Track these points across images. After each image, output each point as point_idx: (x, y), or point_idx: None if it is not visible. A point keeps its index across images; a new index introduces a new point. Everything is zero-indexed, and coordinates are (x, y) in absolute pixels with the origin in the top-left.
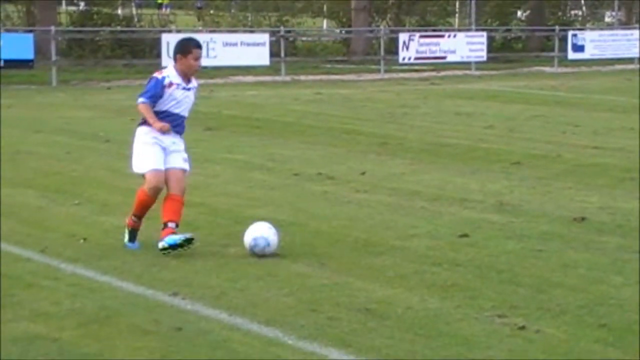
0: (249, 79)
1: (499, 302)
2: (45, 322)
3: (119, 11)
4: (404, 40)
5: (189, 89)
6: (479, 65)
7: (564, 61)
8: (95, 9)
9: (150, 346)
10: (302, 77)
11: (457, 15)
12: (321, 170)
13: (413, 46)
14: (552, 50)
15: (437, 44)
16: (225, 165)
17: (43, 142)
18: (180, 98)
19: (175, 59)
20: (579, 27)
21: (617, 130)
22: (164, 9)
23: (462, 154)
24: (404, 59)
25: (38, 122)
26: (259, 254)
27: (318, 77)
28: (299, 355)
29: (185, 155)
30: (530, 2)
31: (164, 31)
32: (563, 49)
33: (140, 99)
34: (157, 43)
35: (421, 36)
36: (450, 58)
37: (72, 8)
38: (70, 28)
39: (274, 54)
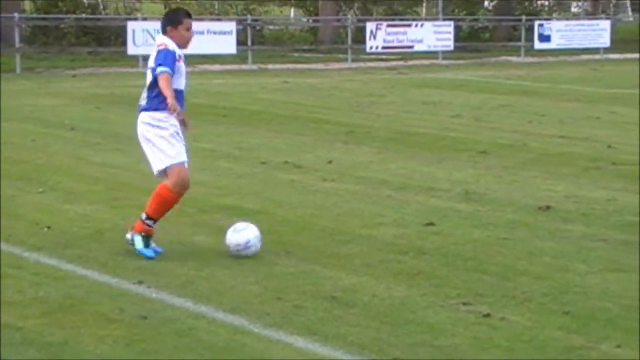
0: (216, 67)
1: (465, 290)
2: (9, 310)
3: None
4: (372, 29)
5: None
6: (446, 54)
7: (530, 51)
8: None
9: (115, 334)
10: (270, 66)
11: (424, 4)
12: (288, 158)
13: (380, 35)
14: (519, 40)
15: (405, 33)
16: (192, 154)
17: (7, 130)
18: (184, 72)
19: (165, 32)
20: (545, 17)
21: (583, 119)
22: None
23: (429, 143)
24: (371, 48)
25: (2, 110)
26: (240, 253)
27: (285, 66)
28: (264, 343)
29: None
30: None
31: (130, 19)
32: (530, 38)
33: (163, 68)
34: (122, 31)
35: (388, 25)
36: (418, 47)
37: None
38: (35, 15)
39: (241, 42)
